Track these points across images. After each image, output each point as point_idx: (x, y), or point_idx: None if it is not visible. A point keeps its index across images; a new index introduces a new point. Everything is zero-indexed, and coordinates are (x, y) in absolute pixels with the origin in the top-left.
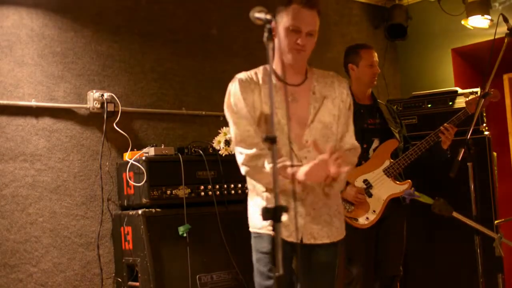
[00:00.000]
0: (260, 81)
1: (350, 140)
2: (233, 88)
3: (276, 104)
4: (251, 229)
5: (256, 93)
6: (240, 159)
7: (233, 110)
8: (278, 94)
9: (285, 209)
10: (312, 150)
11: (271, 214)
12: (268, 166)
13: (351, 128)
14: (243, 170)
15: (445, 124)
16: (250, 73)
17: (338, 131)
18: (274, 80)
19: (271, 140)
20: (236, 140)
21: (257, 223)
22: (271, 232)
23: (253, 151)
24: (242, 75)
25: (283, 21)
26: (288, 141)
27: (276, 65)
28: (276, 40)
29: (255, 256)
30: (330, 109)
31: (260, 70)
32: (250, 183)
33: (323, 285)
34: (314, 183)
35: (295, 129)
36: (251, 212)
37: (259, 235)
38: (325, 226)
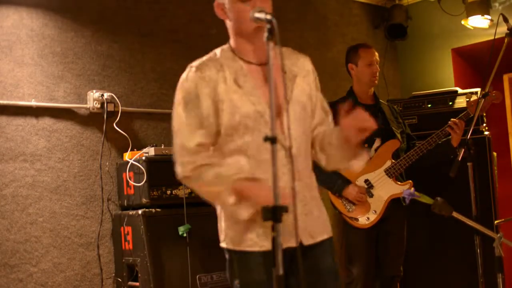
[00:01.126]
0: (224, 66)
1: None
2: (189, 81)
3: (247, 90)
4: (231, 248)
5: (220, 81)
6: (182, 168)
7: (185, 108)
8: (247, 79)
9: (285, 209)
10: (297, 138)
11: (271, 213)
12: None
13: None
14: (184, 178)
15: (453, 119)
16: (209, 58)
17: (313, 113)
18: (240, 62)
19: (271, 141)
20: (180, 145)
21: (238, 239)
22: (247, 248)
23: (201, 160)
24: (198, 62)
25: None
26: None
27: (235, 47)
28: (228, 22)
29: (242, 279)
30: (304, 88)
31: (217, 54)
32: None
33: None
34: (301, 173)
35: (276, 117)
36: (229, 228)
37: (244, 259)
38: (319, 221)
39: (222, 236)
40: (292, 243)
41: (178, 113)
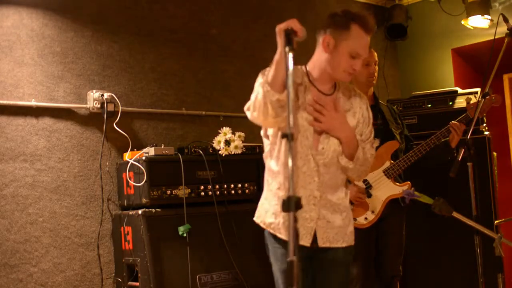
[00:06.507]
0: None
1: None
2: (265, 72)
3: (304, 105)
4: (259, 223)
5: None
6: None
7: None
8: (308, 95)
9: (299, 199)
10: (328, 158)
11: (287, 205)
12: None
13: (370, 145)
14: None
15: (453, 121)
16: (296, 67)
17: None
18: (307, 81)
19: (287, 137)
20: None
21: (266, 219)
22: (276, 233)
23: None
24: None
25: (343, 43)
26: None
27: (312, 69)
28: (322, 52)
29: (274, 267)
30: (351, 121)
31: (297, 68)
32: (266, 179)
33: (337, 280)
34: (325, 186)
35: (314, 135)
36: (263, 206)
37: (275, 245)
38: (340, 231)
39: (257, 213)
40: (306, 242)
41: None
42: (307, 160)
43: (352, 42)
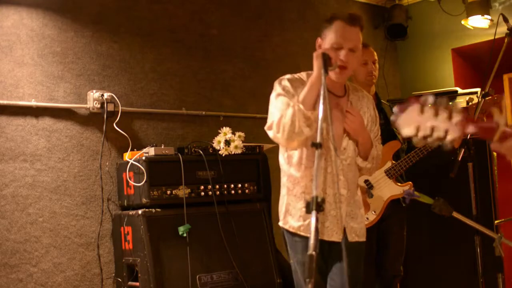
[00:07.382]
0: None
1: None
2: (283, 83)
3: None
4: (287, 228)
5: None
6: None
7: (281, 93)
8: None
9: (323, 200)
10: (349, 156)
11: (311, 205)
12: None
13: (378, 142)
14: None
15: None
16: (295, 75)
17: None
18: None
19: (316, 146)
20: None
21: (295, 224)
22: (307, 234)
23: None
24: (289, 75)
25: (327, 38)
26: (333, 147)
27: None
28: None
29: (293, 259)
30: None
31: (303, 75)
32: (285, 185)
33: (352, 263)
34: (350, 184)
35: (336, 135)
36: (288, 212)
37: (295, 239)
38: (363, 226)
39: (281, 218)
40: (337, 238)
41: (276, 95)
42: (331, 161)
43: (333, 34)
